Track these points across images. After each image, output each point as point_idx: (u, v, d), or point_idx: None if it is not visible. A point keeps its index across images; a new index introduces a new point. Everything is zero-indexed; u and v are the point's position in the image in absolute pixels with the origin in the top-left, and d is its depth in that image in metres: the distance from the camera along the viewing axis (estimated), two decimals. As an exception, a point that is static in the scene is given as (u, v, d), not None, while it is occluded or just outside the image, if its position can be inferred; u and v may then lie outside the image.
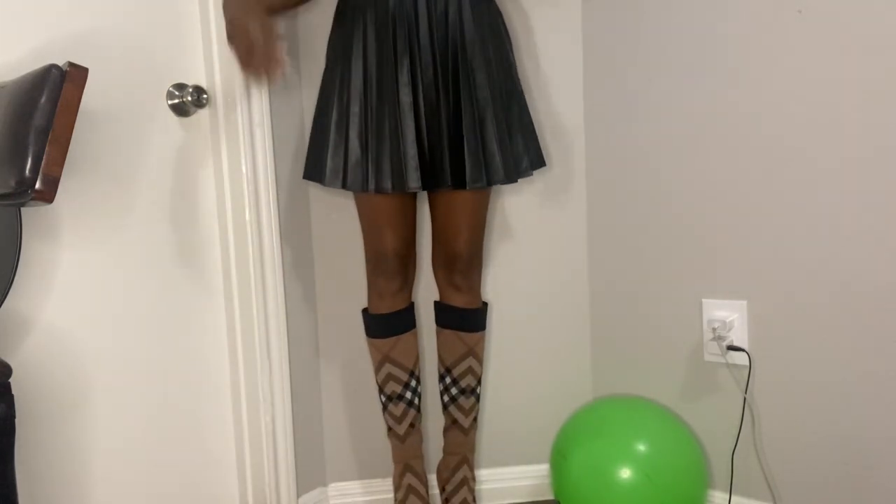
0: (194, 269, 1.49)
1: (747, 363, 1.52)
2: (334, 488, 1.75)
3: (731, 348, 1.53)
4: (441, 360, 1.64)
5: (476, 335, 1.62)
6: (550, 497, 1.76)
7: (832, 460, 1.44)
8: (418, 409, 1.63)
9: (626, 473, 1.47)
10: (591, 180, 1.74)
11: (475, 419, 1.65)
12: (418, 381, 1.63)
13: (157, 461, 1.43)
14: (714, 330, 1.54)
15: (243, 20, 1.24)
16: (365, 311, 1.62)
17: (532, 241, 1.75)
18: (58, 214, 1.26)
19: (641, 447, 1.51)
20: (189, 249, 1.48)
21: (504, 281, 1.75)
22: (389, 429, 1.63)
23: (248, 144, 1.49)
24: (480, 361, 1.64)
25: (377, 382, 1.62)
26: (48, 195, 0.97)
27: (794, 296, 1.46)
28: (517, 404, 1.78)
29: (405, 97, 1.40)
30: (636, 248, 1.69)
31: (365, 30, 1.43)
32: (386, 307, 1.58)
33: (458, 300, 1.60)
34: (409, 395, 1.61)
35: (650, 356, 1.69)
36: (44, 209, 1.24)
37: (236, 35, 1.25)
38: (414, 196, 1.55)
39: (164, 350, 1.43)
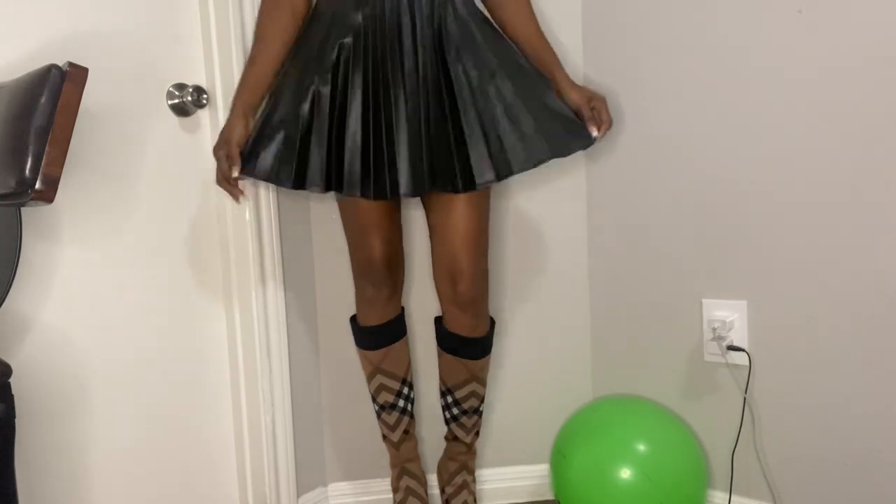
0: (194, 269, 1.49)
1: (747, 363, 1.52)
2: (334, 488, 1.75)
3: (731, 348, 1.53)
4: (442, 379, 1.59)
5: (481, 361, 1.55)
6: (550, 497, 1.75)
7: (832, 460, 1.44)
8: (412, 416, 1.63)
9: (626, 473, 1.47)
10: (591, 180, 1.74)
11: (478, 433, 1.63)
12: (410, 388, 1.62)
13: (157, 461, 1.43)
14: (714, 330, 1.54)
15: (217, 146, 1.38)
16: (353, 319, 1.60)
17: (532, 240, 1.75)
18: (58, 214, 1.26)
19: (641, 447, 1.51)
20: (189, 249, 1.48)
21: (503, 281, 1.75)
22: (384, 436, 1.64)
23: (248, 144, 1.49)
24: (484, 384, 1.59)
25: (370, 391, 1.61)
26: (48, 195, 0.97)
27: (794, 296, 1.46)
28: (517, 404, 1.78)
29: (395, 102, 1.34)
30: (636, 247, 1.69)
31: (342, 33, 1.36)
32: (376, 318, 1.54)
33: (464, 325, 1.49)
34: (401, 402, 1.60)
35: (650, 356, 1.69)
36: (44, 209, 1.24)
37: (214, 157, 1.39)
38: (398, 200, 1.49)
39: (163, 350, 1.43)
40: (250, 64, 1.42)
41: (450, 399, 1.58)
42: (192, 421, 1.50)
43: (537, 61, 1.49)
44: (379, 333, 1.56)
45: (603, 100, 1.45)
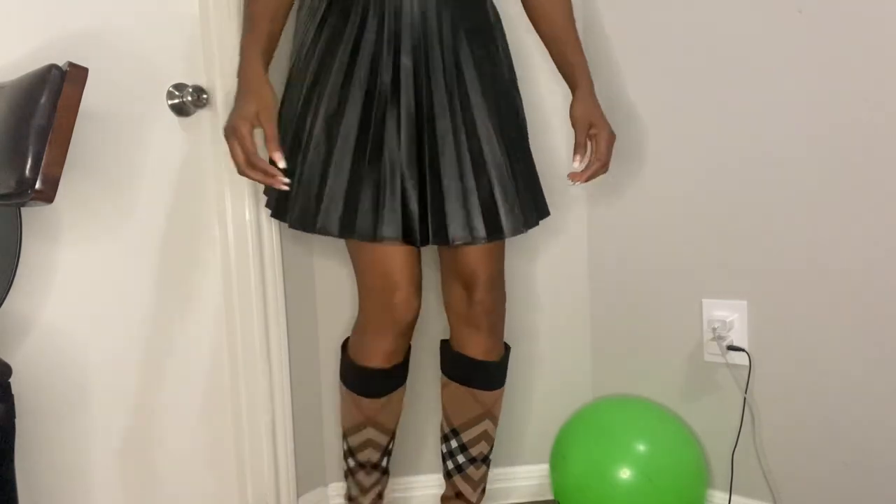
0: (194, 269, 1.49)
1: (747, 363, 1.52)
2: (334, 488, 1.75)
3: (731, 348, 1.53)
4: (447, 418, 1.37)
5: (495, 393, 1.35)
6: (550, 497, 1.75)
7: (832, 460, 1.44)
8: (388, 473, 1.44)
9: (625, 473, 1.47)
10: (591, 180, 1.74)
11: (484, 490, 1.40)
12: (394, 438, 1.40)
13: (157, 461, 1.43)
14: (714, 330, 1.54)
15: (241, 118, 1.15)
16: (345, 350, 1.39)
17: (532, 240, 1.75)
18: (58, 214, 1.26)
19: (641, 447, 1.51)
20: (189, 249, 1.48)
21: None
22: (351, 498, 1.42)
23: (248, 144, 1.49)
24: (497, 424, 1.37)
25: (348, 445, 1.38)
26: (48, 195, 0.97)
27: (794, 296, 1.46)
28: (517, 404, 1.78)
29: (393, 138, 1.23)
30: (636, 247, 1.69)
31: (353, 55, 1.25)
32: (380, 358, 1.27)
33: (477, 346, 1.30)
34: (384, 461, 1.38)
35: (650, 356, 1.69)
36: (44, 209, 1.24)
37: (228, 137, 1.18)
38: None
39: (163, 349, 1.43)
40: (260, 19, 1.21)
41: (455, 444, 1.35)
42: (192, 421, 1.50)
43: (561, 58, 1.35)
44: (382, 378, 1.29)
45: (611, 135, 1.28)
